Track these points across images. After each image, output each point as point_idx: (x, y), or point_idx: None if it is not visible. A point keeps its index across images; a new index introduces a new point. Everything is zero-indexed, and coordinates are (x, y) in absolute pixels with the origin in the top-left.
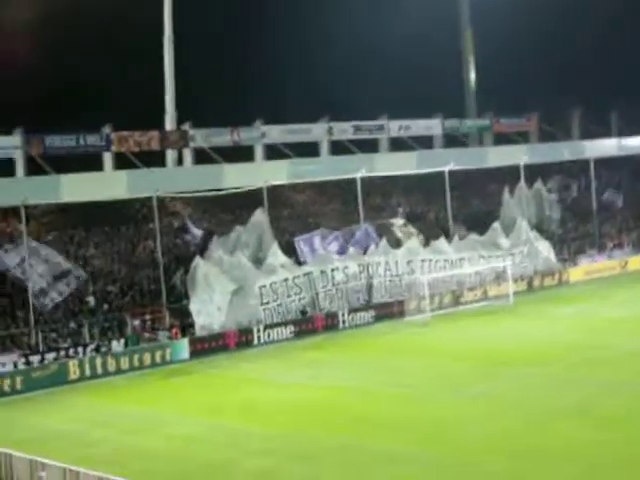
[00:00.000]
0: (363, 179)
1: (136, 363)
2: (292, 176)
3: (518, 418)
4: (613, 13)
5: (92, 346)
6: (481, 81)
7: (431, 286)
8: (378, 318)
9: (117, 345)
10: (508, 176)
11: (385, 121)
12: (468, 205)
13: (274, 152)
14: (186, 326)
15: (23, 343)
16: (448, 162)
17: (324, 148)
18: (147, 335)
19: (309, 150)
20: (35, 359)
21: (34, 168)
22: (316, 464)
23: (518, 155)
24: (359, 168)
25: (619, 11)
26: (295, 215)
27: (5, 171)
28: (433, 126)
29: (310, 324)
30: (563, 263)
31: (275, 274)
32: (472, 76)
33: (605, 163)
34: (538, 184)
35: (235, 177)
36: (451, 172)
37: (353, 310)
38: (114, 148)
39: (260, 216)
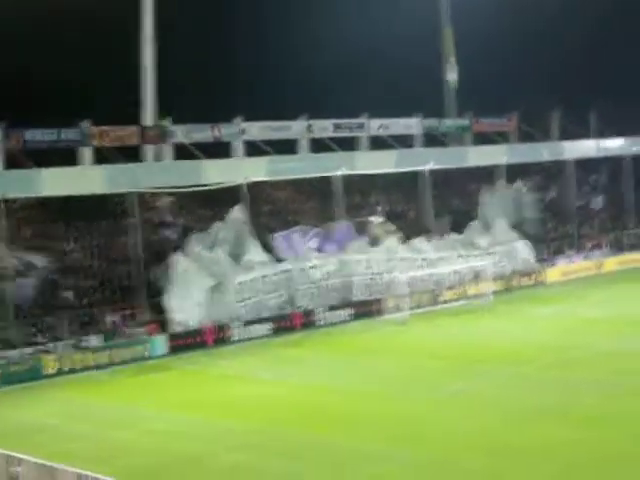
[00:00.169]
0: (343, 177)
1: (114, 358)
2: (272, 173)
3: (495, 417)
4: (595, 14)
5: (70, 341)
6: (461, 80)
7: (410, 285)
8: (356, 316)
9: (95, 340)
10: (487, 176)
11: (365, 119)
12: (447, 204)
13: (254, 149)
14: (164, 322)
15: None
16: (428, 161)
17: (304, 146)
18: (125, 330)
19: (289, 147)
20: (12, 354)
21: (13, 162)
22: (293, 461)
23: (498, 155)
24: (339, 166)
25: (601, 12)
26: (275, 212)
27: None
28: (413, 125)
29: (288, 321)
30: (541, 263)
31: (254, 271)
32: (452, 75)
33: (584, 164)
34: (517, 184)
35: (215, 173)
36: (431, 171)
37: (331, 308)
38: (93, 143)
39: (239, 213)
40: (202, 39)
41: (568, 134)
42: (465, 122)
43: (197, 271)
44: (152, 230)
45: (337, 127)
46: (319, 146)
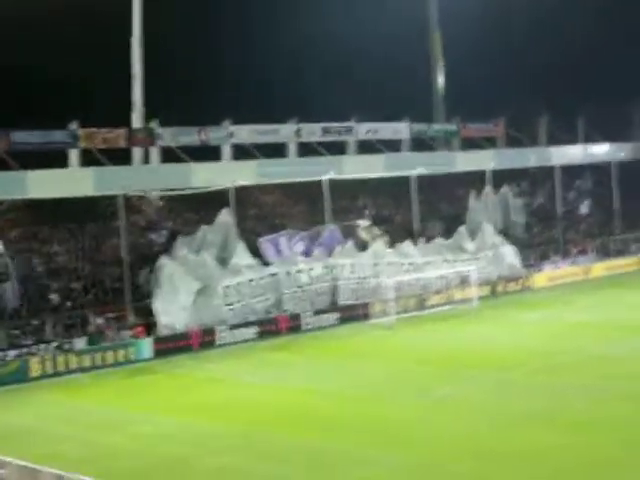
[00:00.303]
0: (331, 181)
1: (99, 361)
2: (259, 177)
3: (483, 421)
4: (582, 20)
5: (55, 343)
6: (449, 85)
7: (396, 289)
8: (343, 320)
9: (80, 343)
10: (475, 181)
11: (353, 124)
12: (435, 209)
13: (242, 152)
14: (150, 325)
15: None
16: (416, 166)
17: (292, 149)
18: (111, 333)
19: (277, 151)
20: None
21: (0, 164)
22: (279, 464)
23: (485, 160)
24: (327, 170)
25: (588, 18)
26: (262, 216)
27: None
28: (401, 129)
29: (274, 325)
30: (528, 269)
31: (240, 274)
32: (440, 80)
33: (571, 169)
34: (504, 189)
35: (202, 176)
36: (418, 176)
37: (318, 312)
38: (81, 145)
39: (226, 216)
40: (190, 42)
41: (555, 139)
42: (453, 127)
43: (184, 274)
44: (139, 233)
45: (325, 131)
46: (307, 150)
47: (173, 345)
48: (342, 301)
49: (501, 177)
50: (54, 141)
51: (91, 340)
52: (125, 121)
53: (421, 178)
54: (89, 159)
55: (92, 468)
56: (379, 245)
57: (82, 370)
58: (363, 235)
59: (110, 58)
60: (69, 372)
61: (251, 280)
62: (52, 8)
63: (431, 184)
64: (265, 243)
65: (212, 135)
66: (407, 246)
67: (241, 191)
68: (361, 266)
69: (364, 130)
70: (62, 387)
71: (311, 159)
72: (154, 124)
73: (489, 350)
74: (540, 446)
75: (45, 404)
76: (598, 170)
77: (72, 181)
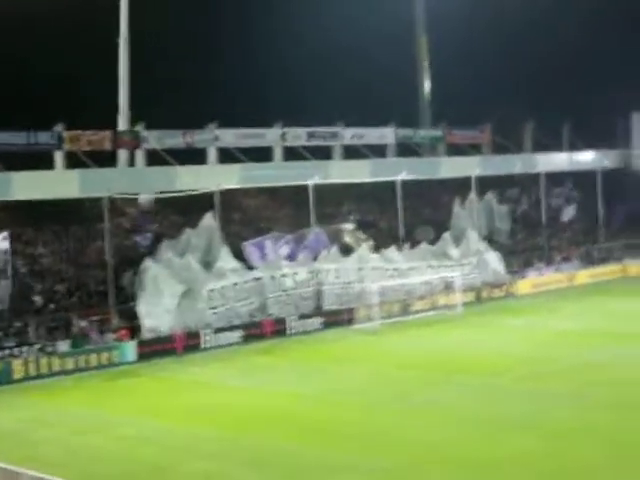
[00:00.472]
0: (316, 186)
1: (82, 364)
2: (244, 180)
3: (464, 428)
4: (568, 28)
5: (37, 346)
6: (435, 90)
7: (381, 294)
8: (327, 325)
9: (63, 345)
10: (460, 187)
11: (339, 128)
12: (420, 215)
13: (227, 156)
14: (134, 328)
15: None
16: (401, 171)
17: (277, 153)
18: (94, 336)
19: (263, 155)
20: None
21: None
22: (259, 470)
23: (471, 166)
24: (312, 175)
25: (574, 26)
26: (247, 220)
27: None
28: (387, 135)
29: (258, 329)
30: (512, 275)
31: (225, 278)
32: (426, 85)
33: (555, 176)
34: (489, 195)
35: (187, 179)
36: (404, 182)
37: (302, 316)
38: (66, 147)
39: (210, 220)
40: (177, 44)
41: (541, 147)
42: (438, 133)
43: (168, 277)
44: (124, 235)
45: (311, 136)
46: (293, 154)
47: (157, 348)
48: (327, 306)
49: (486, 184)
50: (39, 143)
51: (74, 343)
52: (111, 124)
53: (406, 184)
54: (75, 161)
55: (72, 472)
56: (364, 250)
57: (65, 373)
58: (347, 239)
59: (96, 60)
60: (52, 375)
61: (235, 284)
62: (38, 9)
63: (416, 190)
64: (250, 246)
65: (197, 138)
66: (392, 252)
67: (226, 194)
68: (346, 271)
69: (349, 135)
70: (44, 390)
71: (296, 163)
72: (140, 127)
73: (473, 356)
74: (522, 453)
75: (27, 407)
76: (583, 177)
77: (57, 183)
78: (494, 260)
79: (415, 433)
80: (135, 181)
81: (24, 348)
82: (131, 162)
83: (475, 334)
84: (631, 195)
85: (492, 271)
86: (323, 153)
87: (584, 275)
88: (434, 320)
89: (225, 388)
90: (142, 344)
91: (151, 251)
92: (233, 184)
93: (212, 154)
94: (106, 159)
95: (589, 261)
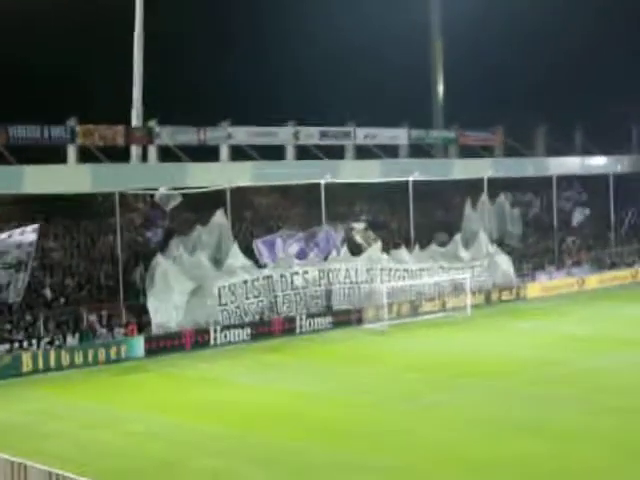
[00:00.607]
0: (328, 185)
1: (90, 358)
2: (256, 178)
3: (471, 429)
4: (583, 31)
5: (47, 339)
6: (449, 92)
7: (390, 295)
8: (336, 324)
9: (72, 339)
10: (472, 189)
11: (352, 128)
12: (431, 216)
13: (239, 154)
14: (143, 324)
15: None
16: (413, 172)
17: (290, 152)
18: (103, 331)
19: (275, 153)
20: None
21: None
22: (267, 467)
23: (483, 168)
24: (324, 174)
25: (589, 29)
26: (258, 218)
27: None
28: (399, 135)
29: (267, 327)
30: (522, 278)
31: (235, 276)
32: (440, 86)
33: (568, 180)
34: (501, 198)
35: (199, 176)
36: (415, 183)
37: (311, 315)
38: (79, 141)
39: (220, 217)
40: (192, 41)
41: (553, 151)
42: (451, 134)
43: (178, 274)
44: (134, 231)
45: (323, 135)
46: (305, 153)
47: (166, 344)
48: (336, 305)
49: (498, 186)
50: (52, 137)
51: (83, 337)
52: (124, 119)
53: (418, 185)
54: (88, 156)
55: (80, 466)
56: (374, 250)
57: (73, 367)
58: (358, 238)
59: (111, 55)
60: (60, 368)
61: (245, 281)
62: (54, 2)
63: (428, 191)
64: (260, 244)
65: (210, 135)
66: (402, 252)
67: (238, 192)
68: (355, 271)
69: (362, 135)
70: (53, 383)
71: (308, 162)
72: (153, 123)
73: (481, 358)
74: (527, 454)
75: (36, 400)
76: (595, 182)
77: (69, 177)
78: (504, 263)
79: (422, 433)
80: (147, 177)
81: (33, 341)
82: (144, 158)
83: (484, 336)
84: None
85: (502, 274)
86: (335, 152)
87: (595, 280)
88: (443, 322)
89: (233, 385)
90: (151, 340)
91: (162, 247)
92: (245, 182)
93: (224, 151)
94: (119, 154)
95: (600, 266)
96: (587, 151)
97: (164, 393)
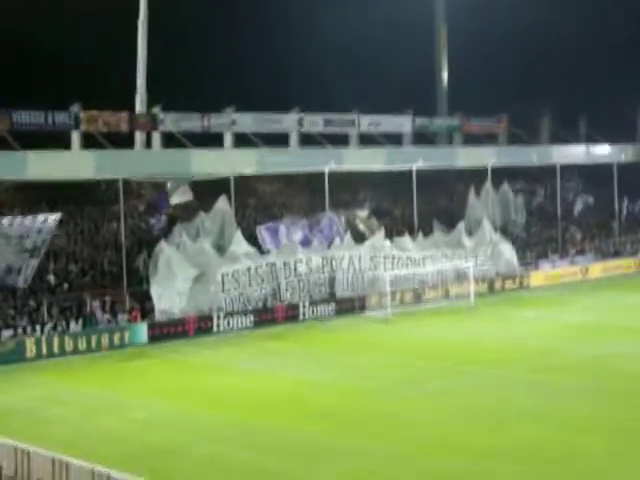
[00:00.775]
0: (332, 173)
1: (93, 344)
2: (260, 166)
3: (474, 417)
4: (591, 20)
5: (50, 325)
6: (453, 79)
7: (393, 283)
8: (339, 312)
9: (75, 325)
10: (475, 177)
11: (356, 116)
12: (435, 204)
13: (243, 140)
14: (146, 310)
15: None
16: (417, 160)
17: (294, 139)
18: (106, 317)
19: (279, 140)
20: None
21: (0, 144)
22: (266, 454)
23: (487, 156)
24: (328, 161)
25: (597, 18)
26: (261, 204)
27: None
28: (403, 123)
29: (270, 314)
30: (525, 267)
31: (238, 262)
32: (444, 74)
33: (573, 169)
34: (505, 187)
35: (203, 163)
36: (419, 171)
37: (314, 302)
38: (82, 127)
39: (223, 203)
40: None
41: (557, 139)
42: (455, 122)
43: (181, 261)
44: (138, 217)
45: (328, 122)
46: (309, 140)
47: (169, 330)
48: (339, 293)
49: (502, 174)
50: (55, 122)
51: (87, 323)
52: (128, 105)
53: (422, 173)
54: (92, 142)
55: (83, 452)
56: (377, 238)
57: (76, 352)
58: (361, 226)
59: (115, 41)
60: (63, 354)
61: (249, 268)
62: None
63: (432, 179)
64: (263, 231)
65: (214, 122)
66: (405, 240)
67: (241, 179)
68: (359, 258)
69: (366, 122)
70: (56, 369)
71: (312, 150)
72: (157, 109)
73: (483, 346)
74: (529, 441)
75: (39, 385)
76: (599, 170)
77: (73, 163)
78: (508, 251)
79: (422, 420)
80: (151, 163)
81: (37, 327)
82: (147, 144)
83: (487, 325)
84: None
85: (505, 262)
86: (339, 140)
87: (598, 268)
88: (446, 310)
89: (236, 372)
90: (154, 326)
91: (165, 234)
92: (249, 169)
93: (228, 138)
94: (123, 141)
95: (603, 254)
96: (591, 139)
97: (167, 379)
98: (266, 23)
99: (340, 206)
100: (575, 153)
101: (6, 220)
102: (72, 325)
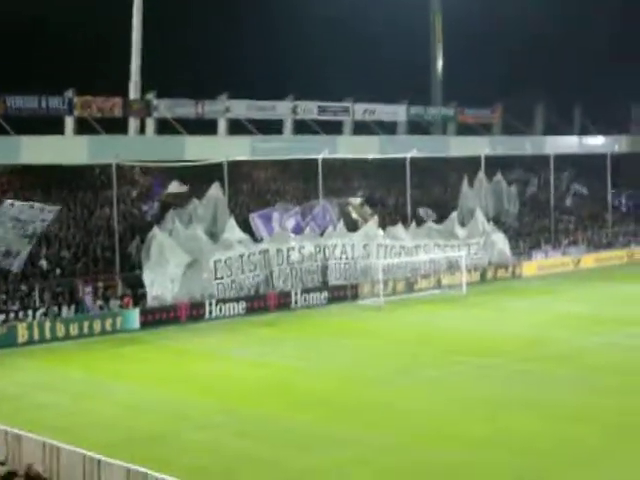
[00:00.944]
0: (325, 160)
1: (85, 330)
2: (254, 152)
3: (466, 407)
4: (585, 10)
5: (42, 310)
6: (448, 69)
7: (386, 271)
8: (331, 300)
9: (67, 311)
10: (469, 166)
11: (350, 103)
12: (428, 193)
13: (238, 127)
14: (138, 296)
15: None
16: (411, 149)
17: (288, 127)
18: (98, 302)
19: (273, 127)
20: None
21: None
22: (257, 442)
23: (480, 146)
24: (322, 149)
25: (591, 8)
26: (255, 192)
27: None
28: (398, 112)
29: (263, 301)
30: (518, 257)
31: (231, 249)
32: (439, 63)
33: (566, 159)
34: (498, 177)
35: (197, 150)
36: (413, 160)
37: (307, 290)
38: (76, 112)
39: (216, 190)
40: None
41: (552, 129)
42: (449, 112)
43: (174, 247)
44: (131, 203)
45: (322, 110)
46: (303, 128)
47: (161, 317)
48: (332, 281)
49: (495, 164)
50: (49, 107)
51: (79, 308)
52: (123, 91)
53: (416, 162)
54: (86, 127)
55: (73, 437)
56: (370, 226)
57: (68, 338)
58: (354, 214)
59: (111, 26)
60: (55, 339)
61: (241, 255)
62: None
63: (425, 168)
64: (257, 218)
65: (208, 108)
66: (398, 229)
67: (235, 166)
68: (352, 247)
69: (361, 110)
70: (48, 354)
71: (306, 137)
72: (151, 95)
73: (475, 336)
74: (521, 431)
75: (30, 370)
76: (592, 161)
77: (66, 148)
78: (500, 241)
79: (413, 409)
80: (144, 149)
81: (29, 312)
82: (141, 130)
83: (479, 314)
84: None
85: (498, 252)
86: (334, 128)
87: (590, 259)
88: (438, 299)
89: (227, 359)
90: (146, 312)
91: (158, 220)
92: (243, 156)
93: (222, 125)
94: (117, 126)
95: (595, 245)
96: (586, 130)
97: (158, 366)
98: (262, 10)
99: (333, 194)
100: (569, 143)
101: (16, 205)
102: (64, 310)
